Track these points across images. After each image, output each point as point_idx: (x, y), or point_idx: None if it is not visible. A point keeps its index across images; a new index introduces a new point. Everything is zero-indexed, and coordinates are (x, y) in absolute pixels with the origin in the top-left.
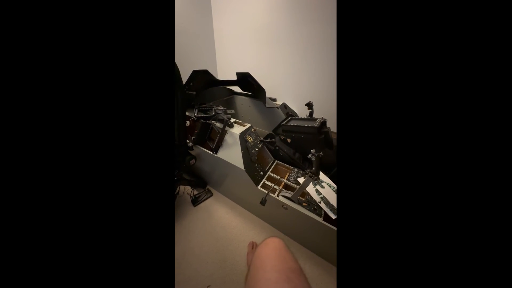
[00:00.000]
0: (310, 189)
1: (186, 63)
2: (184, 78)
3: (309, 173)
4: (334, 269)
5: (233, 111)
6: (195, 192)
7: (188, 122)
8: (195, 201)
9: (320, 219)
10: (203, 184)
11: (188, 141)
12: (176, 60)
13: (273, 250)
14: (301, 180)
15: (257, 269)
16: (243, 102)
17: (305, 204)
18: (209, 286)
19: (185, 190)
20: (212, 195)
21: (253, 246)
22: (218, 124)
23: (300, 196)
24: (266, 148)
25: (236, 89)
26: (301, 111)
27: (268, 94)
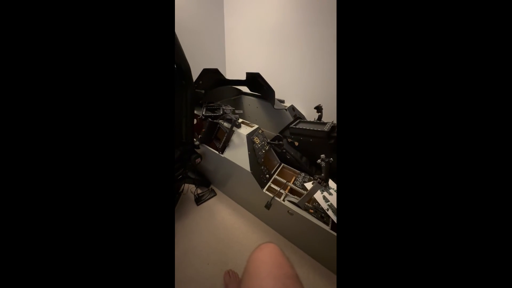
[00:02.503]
0: (318, 195)
1: (195, 61)
2: (193, 76)
3: (318, 179)
4: None
5: (241, 111)
6: (199, 191)
7: (195, 121)
8: (199, 200)
9: (327, 228)
10: (207, 183)
11: (194, 139)
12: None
13: (268, 256)
14: (308, 185)
15: (252, 277)
16: (251, 103)
17: (311, 211)
18: None
19: (189, 188)
20: (215, 195)
21: (230, 275)
22: (225, 124)
23: (306, 202)
24: (273, 151)
25: (244, 89)
26: (309, 114)
27: (277, 96)
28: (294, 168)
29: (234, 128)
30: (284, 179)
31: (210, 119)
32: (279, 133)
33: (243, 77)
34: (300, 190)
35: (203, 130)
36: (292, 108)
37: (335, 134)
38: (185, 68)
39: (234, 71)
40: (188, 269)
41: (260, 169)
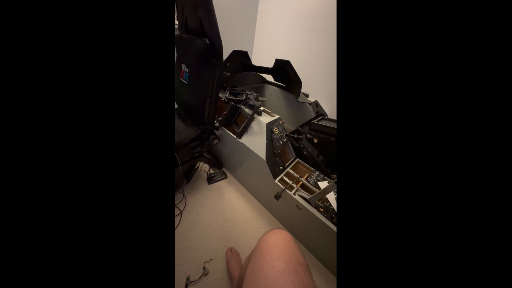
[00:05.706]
0: (331, 196)
1: (223, 40)
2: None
3: (336, 180)
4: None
5: (264, 99)
6: (211, 171)
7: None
8: (210, 180)
9: (335, 229)
10: (219, 165)
11: (215, 121)
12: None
13: (281, 240)
14: (321, 184)
15: (264, 255)
16: (273, 93)
17: (321, 210)
18: (212, 259)
19: (203, 167)
20: (226, 177)
21: (232, 252)
22: (247, 110)
23: (318, 200)
24: (290, 144)
25: (268, 78)
26: (333, 114)
27: (302, 89)
28: (309, 165)
29: (255, 115)
30: (297, 173)
31: (232, 103)
32: (299, 127)
33: (269, 64)
34: (312, 187)
35: (224, 113)
36: (316, 104)
37: None
38: (218, 46)
39: (261, 56)
40: (194, 238)
41: (275, 160)
